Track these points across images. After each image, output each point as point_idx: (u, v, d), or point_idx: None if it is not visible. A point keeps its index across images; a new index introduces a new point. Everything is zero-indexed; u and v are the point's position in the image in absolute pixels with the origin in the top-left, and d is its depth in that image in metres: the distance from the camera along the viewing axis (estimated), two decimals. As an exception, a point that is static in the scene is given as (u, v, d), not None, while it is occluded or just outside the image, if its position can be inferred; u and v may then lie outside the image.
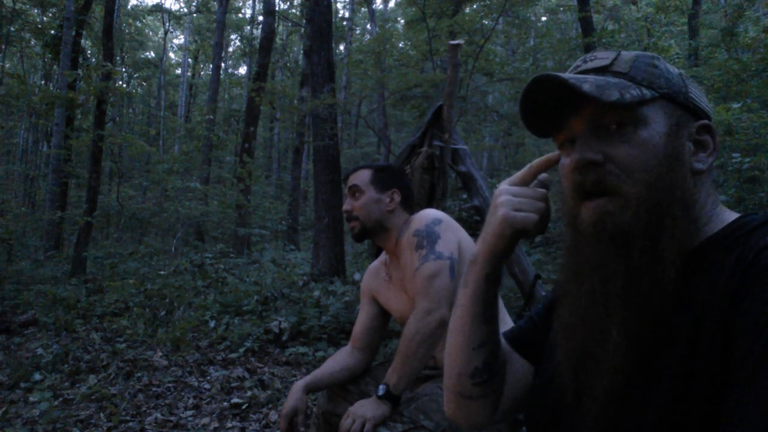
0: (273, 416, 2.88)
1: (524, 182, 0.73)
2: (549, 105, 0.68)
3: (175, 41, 32.67)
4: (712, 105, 0.69)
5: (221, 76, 19.35)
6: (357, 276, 5.71)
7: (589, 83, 0.62)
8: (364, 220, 1.61)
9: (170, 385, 3.34)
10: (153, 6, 26.02)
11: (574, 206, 0.66)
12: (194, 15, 25.08)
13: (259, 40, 13.75)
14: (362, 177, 1.64)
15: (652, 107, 0.64)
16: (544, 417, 0.72)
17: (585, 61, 0.70)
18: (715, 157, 0.66)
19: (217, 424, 2.78)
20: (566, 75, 0.64)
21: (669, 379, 0.57)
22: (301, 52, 16.53)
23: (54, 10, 13.85)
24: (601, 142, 0.64)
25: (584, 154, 0.64)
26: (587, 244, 0.64)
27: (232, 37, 27.23)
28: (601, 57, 0.68)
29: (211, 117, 13.97)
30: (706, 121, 0.66)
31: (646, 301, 0.60)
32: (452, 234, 1.54)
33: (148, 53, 29.09)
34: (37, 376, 3.40)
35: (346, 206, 1.63)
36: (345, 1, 24.43)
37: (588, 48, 8.32)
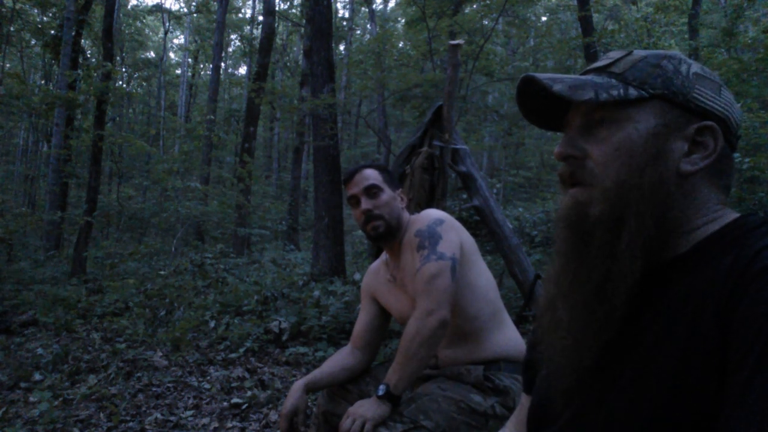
0: (273, 416, 2.88)
1: None
2: (549, 102, 0.72)
3: (175, 41, 32.70)
4: (725, 103, 0.69)
5: (221, 76, 19.35)
6: (357, 276, 5.71)
7: (562, 83, 0.65)
8: (389, 219, 1.57)
9: (170, 385, 3.34)
10: (153, 6, 26.04)
11: (563, 194, 0.71)
12: (194, 15, 25.08)
13: (259, 40, 13.75)
14: (376, 176, 1.60)
15: (640, 107, 0.65)
16: (544, 415, 0.72)
17: (600, 60, 0.72)
18: (714, 158, 0.65)
19: (217, 424, 2.78)
20: (542, 75, 0.67)
21: (666, 376, 0.57)
22: (301, 52, 16.53)
23: (54, 10, 13.85)
24: (584, 138, 0.68)
25: (561, 149, 0.69)
26: (559, 228, 0.69)
27: (232, 37, 27.24)
28: (610, 57, 0.71)
29: (211, 117, 13.97)
30: (708, 122, 0.65)
31: (596, 289, 0.63)
32: (454, 234, 1.53)
33: (148, 53, 29.10)
34: (37, 376, 3.40)
35: (366, 206, 1.57)
36: (345, 1, 24.44)
37: (588, 48, 8.33)
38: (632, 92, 0.65)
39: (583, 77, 0.68)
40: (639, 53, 0.69)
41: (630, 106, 0.65)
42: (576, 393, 0.65)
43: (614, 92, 0.64)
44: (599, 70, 0.69)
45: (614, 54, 0.71)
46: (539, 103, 0.73)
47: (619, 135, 0.65)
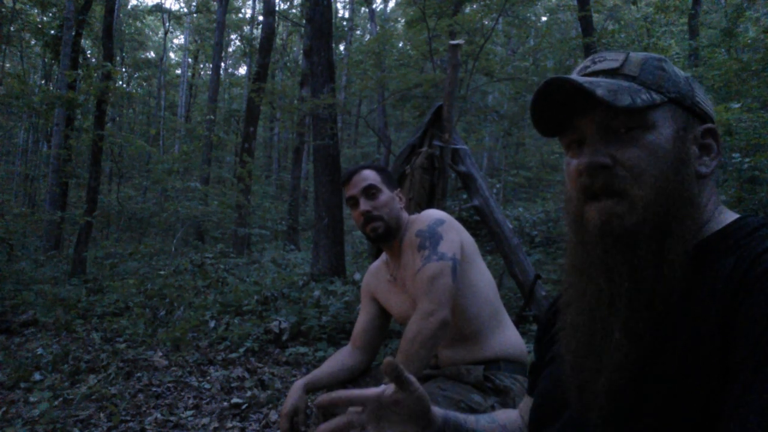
0: (273, 416, 2.88)
1: None
2: (559, 106, 0.68)
3: (175, 41, 32.69)
4: (711, 105, 0.70)
5: (221, 76, 19.35)
6: (357, 276, 5.71)
7: (602, 87, 0.62)
8: (388, 219, 1.57)
9: (170, 385, 3.34)
10: (153, 6, 26.02)
11: (578, 207, 0.67)
12: (194, 15, 25.08)
13: (259, 40, 13.75)
14: (373, 177, 1.60)
15: (660, 111, 0.64)
16: (545, 415, 0.72)
17: (594, 62, 0.70)
18: (719, 160, 0.66)
19: (217, 424, 2.78)
20: (580, 78, 0.64)
21: (668, 378, 0.57)
22: (301, 52, 16.53)
23: (54, 10, 13.85)
24: (609, 145, 0.64)
25: (594, 158, 0.64)
26: (594, 245, 0.64)
27: (232, 37, 27.23)
28: (611, 58, 0.68)
29: (211, 117, 13.97)
30: (710, 125, 0.67)
31: (650, 301, 0.61)
32: (455, 235, 1.53)
33: (148, 53, 29.09)
34: (37, 376, 3.40)
35: (364, 207, 1.56)
36: (345, 1, 24.45)
37: (588, 48, 8.32)
38: (656, 96, 0.64)
39: (610, 81, 0.65)
40: (637, 55, 0.68)
41: (651, 110, 0.64)
42: (608, 403, 0.64)
43: (645, 97, 0.63)
44: (611, 73, 0.67)
45: (612, 55, 0.69)
46: (551, 106, 0.70)
47: (648, 140, 0.63)
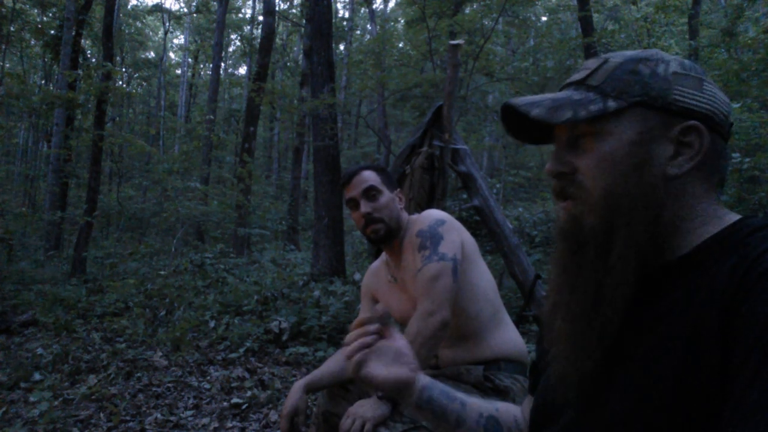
0: (273, 416, 2.88)
1: None
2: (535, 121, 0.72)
3: (175, 41, 32.71)
4: (708, 98, 0.67)
5: (221, 76, 19.35)
6: (357, 276, 5.71)
7: (540, 107, 0.66)
8: (389, 221, 1.57)
9: (170, 385, 3.34)
10: (153, 6, 26.04)
11: (558, 208, 0.72)
12: (194, 15, 25.09)
13: (259, 40, 13.75)
14: (374, 178, 1.59)
15: (620, 117, 0.65)
16: (546, 416, 0.73)
17: (579, 71, 0.72)
18: (701, 158, 0.64)
19: (217, 424, 2.78)
20: (521, 101, 0.68)
21: (668, 378, 0.57)
22: (301, 52, 16.53)
23: (54, 10, 13.85)
24: (571, 153, 0.69)
25: (551, 165, 0.70)
26: (557, 241, 0.71)
27: (232, 37, 27.24)
28: (587, 68, 0.70)
29: (211, 117, 13.97)
30: (691, 122, 0.64)
31: (594, 302, 0.64)
32: (456, 235, 1.53)
33: (148, 53, 29.11)
34: (37, 376, 3.40)
35: (365, 209, 1.56)
36: (345, 1, 24.45)
37: (588, 48, 8.33)
38: (611, 104, 0.65)
39: (561, 96, 0.68)
40: (615, 60, 0.68)
41: (611, 117, 0.65)
42: (577, 395, 0.65)
43: (593, 107, 0.65)
44: (578, 84, 0.69)
45: (591, 63, 0.70)
46: (527, 122, 0.73)
47: (602, 147, 0.65)
